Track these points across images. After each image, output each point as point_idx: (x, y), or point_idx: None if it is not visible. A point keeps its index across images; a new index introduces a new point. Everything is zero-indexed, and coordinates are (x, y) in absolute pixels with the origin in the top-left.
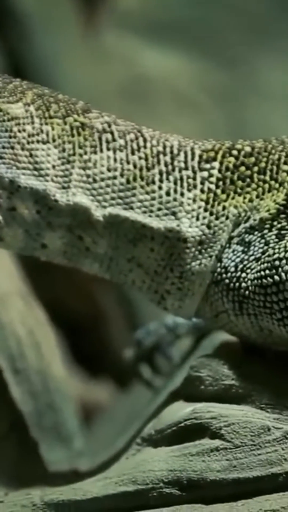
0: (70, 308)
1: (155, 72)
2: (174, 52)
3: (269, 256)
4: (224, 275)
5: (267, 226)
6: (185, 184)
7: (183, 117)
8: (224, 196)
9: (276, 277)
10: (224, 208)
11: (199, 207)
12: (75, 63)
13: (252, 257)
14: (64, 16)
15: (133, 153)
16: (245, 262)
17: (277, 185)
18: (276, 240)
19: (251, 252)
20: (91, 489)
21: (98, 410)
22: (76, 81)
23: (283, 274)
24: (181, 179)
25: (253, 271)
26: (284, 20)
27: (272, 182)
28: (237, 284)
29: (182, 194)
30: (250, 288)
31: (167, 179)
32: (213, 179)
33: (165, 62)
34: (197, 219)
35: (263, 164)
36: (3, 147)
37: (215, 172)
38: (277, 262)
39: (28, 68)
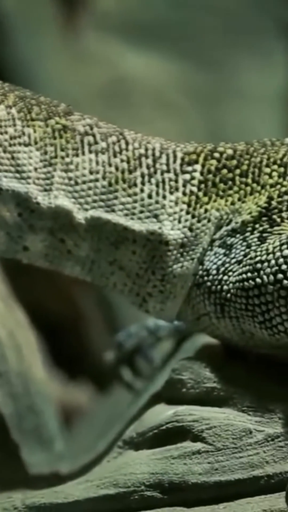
0: (50, 310)
1: (136, 74)
2: (154, 54)
3: (251, 258)
4: (205, 278)
5: (249, 228)
6: (167, 187)
7: (163, 119)
8: (206, 199)
9: (258, 280)
10: (206, 210)
11: (181, 210)
12: (56, 65)
13: (234, 260)
14: (45, 18)
15: (115, 156)
16: (227, 265)
17: (259, 188)
18: (258, 242)
19: (232, 255)
20: (72, 492)
21: (78, 412)
22: (57, 83)
23: (264, 277)
24: (163, 181)
25: (235, 273)
26: (263, 22)
27: (254, 185)
28: (218, 286)
29: (164, 197)
30: (231, 290)
31: (149, 181)
32: (195, 182)
33: (145, 63)
34: (179, 221)
35: (245, 167)
36: None
37: (197, 174)
38: (258, 265)
39: (9, 71)
